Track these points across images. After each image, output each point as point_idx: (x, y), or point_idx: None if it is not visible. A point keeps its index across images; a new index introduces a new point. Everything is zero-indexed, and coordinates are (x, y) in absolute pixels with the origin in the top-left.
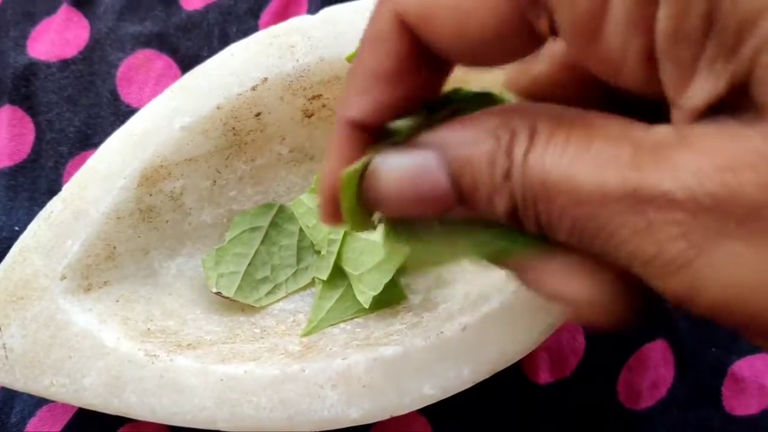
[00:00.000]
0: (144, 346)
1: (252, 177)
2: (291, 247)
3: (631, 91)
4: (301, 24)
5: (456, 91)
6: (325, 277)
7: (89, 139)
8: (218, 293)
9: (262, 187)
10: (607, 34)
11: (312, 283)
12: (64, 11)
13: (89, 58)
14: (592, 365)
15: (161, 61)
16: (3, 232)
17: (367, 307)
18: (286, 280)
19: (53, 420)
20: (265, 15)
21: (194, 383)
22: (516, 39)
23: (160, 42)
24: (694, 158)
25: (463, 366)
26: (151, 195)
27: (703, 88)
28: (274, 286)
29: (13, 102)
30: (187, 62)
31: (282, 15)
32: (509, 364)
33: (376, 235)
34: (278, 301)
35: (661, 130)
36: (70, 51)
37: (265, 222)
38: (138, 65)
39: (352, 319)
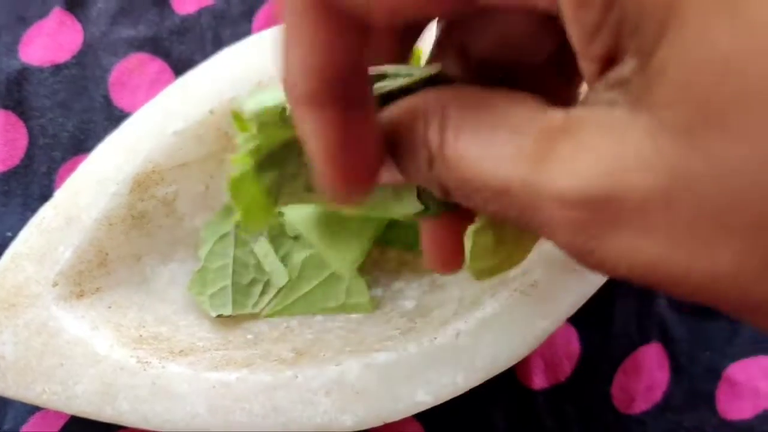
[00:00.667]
0: (136, 353)
1: None
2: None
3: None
4: None
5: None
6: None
7: (82, 144)
8: (219, 316)
9: None
10: None
11: None
12: (57, 15)
13: (82, 62)
14: (586, 370)
15: (155, 65)
16: None
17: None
18: (271, 273)
19: (46, 427)
20: (258, 18)
21: (186, 390)
22: None
23: (154, 46)
24: (581, 155)
25: (457, 372)
26: (143, 201)
27: (602, 46)
28: (265, 284)
29: (5, 107)
30: (180, 66)
31: (275, 19)
32: (503, 370)
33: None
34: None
35: (556, 116)
36: (63, 55)
37: (229, 226)
38: (131, 69)
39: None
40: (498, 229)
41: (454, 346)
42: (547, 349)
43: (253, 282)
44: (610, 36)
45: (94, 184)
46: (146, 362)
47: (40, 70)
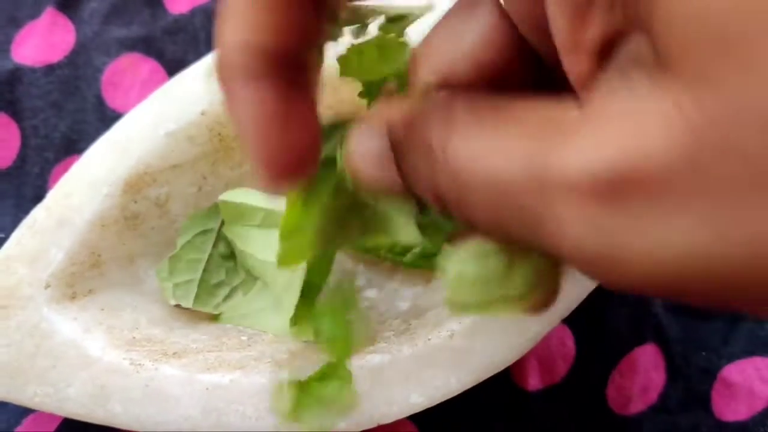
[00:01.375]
0: (129, 355)
1: (238, 183)
2: None
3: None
4: None
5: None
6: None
7: (75, 145)
8: (177, 305)
9: None
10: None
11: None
12: (49, 15)
13: (74, 62)
14: (581, 371)
15: (147, 65)
16: None
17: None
18: (242, 282)
19: (40, 428)
20: None
21: (179, 392)
22: None
23: (146, 46)
24: (593, 140)
25: (451, 373)
26: (136, 202)
27: (597, 27)
28: (231, 290)
29: None
30: (173, 66)
31: None
32: (498, 371)
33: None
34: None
35: (567, 104)
36: (56, 55)
37: (215, 224)
38: (124, 69)
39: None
40: (483, 263)
41: (448, 347)
42: (541, 349)
43: (220, 284)
44: (604, 11)
45: (86, 186)
46: (139, 364)
47: (33, 70)
